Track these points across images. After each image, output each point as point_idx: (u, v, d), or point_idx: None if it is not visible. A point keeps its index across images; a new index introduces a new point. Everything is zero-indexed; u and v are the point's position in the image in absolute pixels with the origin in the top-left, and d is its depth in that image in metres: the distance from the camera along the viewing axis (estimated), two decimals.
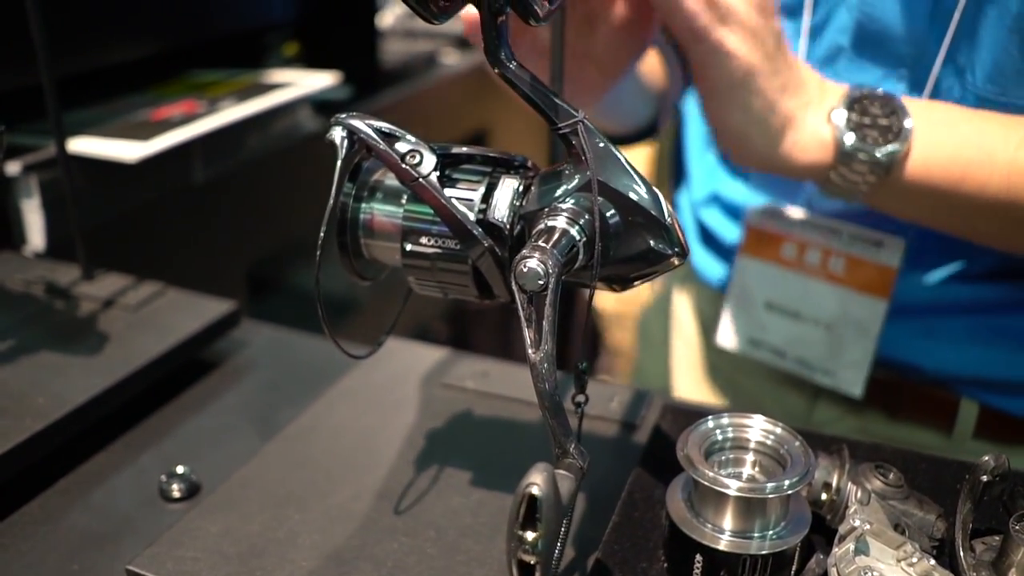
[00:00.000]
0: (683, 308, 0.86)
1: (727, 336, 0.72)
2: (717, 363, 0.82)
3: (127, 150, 0.78)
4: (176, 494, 0.51)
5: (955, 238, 0.62)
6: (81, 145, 0.79)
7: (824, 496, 0.43)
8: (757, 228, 0.69)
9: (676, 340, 0.87)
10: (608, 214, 0.40)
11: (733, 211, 0.74)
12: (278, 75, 1.05)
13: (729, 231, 0.75)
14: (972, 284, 0.64)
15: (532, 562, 0.32)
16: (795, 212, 0.67)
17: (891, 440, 0.69)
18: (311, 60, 1.18)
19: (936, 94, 0.59)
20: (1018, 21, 0.54)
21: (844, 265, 0.65)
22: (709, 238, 0.78)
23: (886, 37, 0.60)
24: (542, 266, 0.37)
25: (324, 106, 1.07)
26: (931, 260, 0.65)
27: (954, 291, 0.64)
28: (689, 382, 0.85)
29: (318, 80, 1.02)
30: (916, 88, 0.60)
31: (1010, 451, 0.66)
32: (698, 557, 0.40)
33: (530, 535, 0.32)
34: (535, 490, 0.31)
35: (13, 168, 0.76)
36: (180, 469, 0.52)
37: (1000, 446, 0.67)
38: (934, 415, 0.68)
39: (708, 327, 0.80)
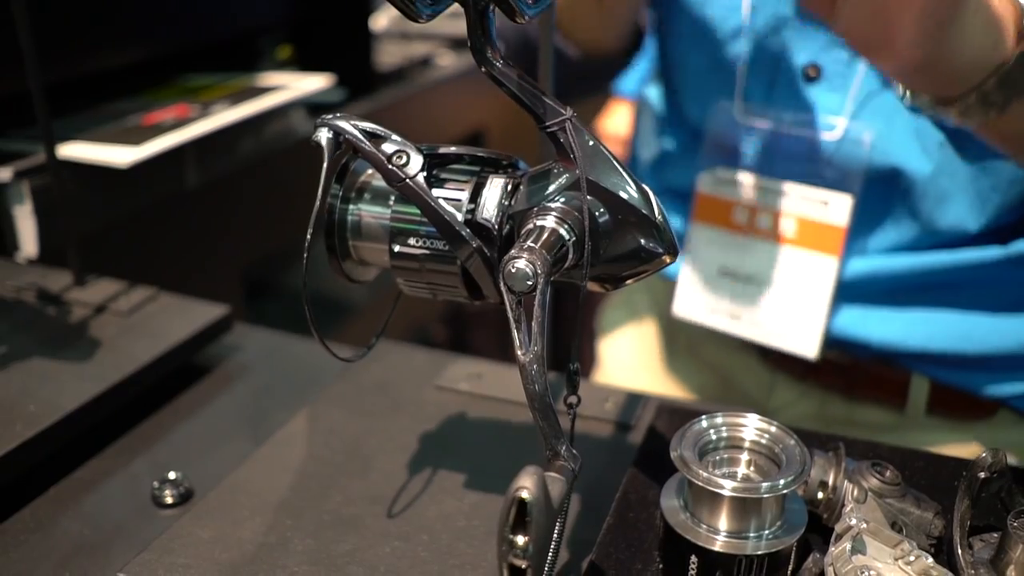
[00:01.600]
0: (641, 300, 0.86)
1: (683, 305, 0.72)
2: (673, 351, 0.82)
3: (119, 155, 0.78)
4: (169, 500, 0.50)
5: (900, 206, 0.63)
6: (73, 150, 0.79)
7: (820, 495, 0.43)
8: (707, 195, 0.69)
9: (634, 330, 0.87)
10: (598, 213, 0.39)
11: (683, 198, 0.74)
12: (271, 78, 1.04)
13: (680, 222, 0.75)
14: (915, 254, 0.65)
15: (523, 566, 0.32)
16: (744, 176, 0.68)
17: (848, 419, 0.71)
18: (304, 63, 1.18)
19: None
20: None
21: (795, 226, 0.66)
22: None
23: None
24: (530, 267, 0.36)
25: (318, 109, 1.06)
26: (875, 230, 0.65)
27: (898, 262, 0.65)
28: (648, 374, 0.85)
29: (311, 83, 1.02)
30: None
31: (963, 426, 0.68)
32: (693, 558, 0.40)
33: (520, 539, 0.32)
34: (524, 494, 0.31)
35: (4, 174, 0.75)
36: (172, 475, 0.52)
37: (953, 421, 0.68)
38: (887, 393, 0.69)
39: (665, 315, 0.80)
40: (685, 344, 0.80)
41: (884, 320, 0.66)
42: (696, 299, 0.71)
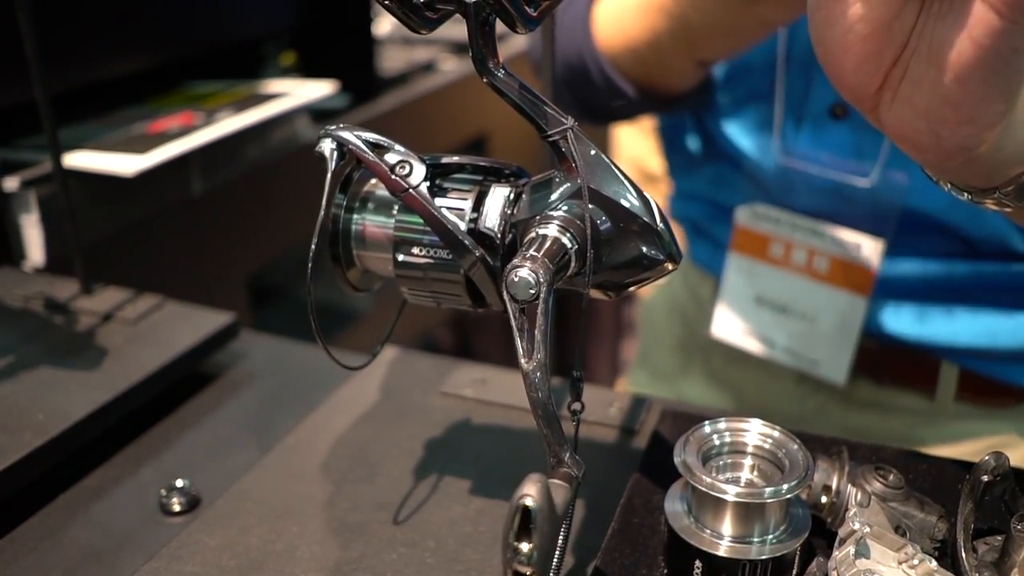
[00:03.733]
0: (681, 292, 0.87)
1: (721, 327, 0.76)
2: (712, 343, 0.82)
3: (124, 164, 0.79)
4: (176, 508, 0.51)
5: (932, 236, 0.64)
6: (79, 159, 0.79)
7: (824, 499, 0.43)
8: (745, 228, 0.72)
9: (676, 324, 0.88)
10: (600, 221, 0.40)
11: (716, 209, 0.76)
12: (275, 85, 1.05)
13: (718, 228, 0.76)
14: (947, 261, 0.66)
15: (528, 573, 0.32)
16: (780, 214, 0.70)
17: (877, 404, 0.72)
18: (308, 69, 1.18)
19: None
20: None
21: (827, 264, 0.69)
22: (697, 230, 0.80)
23: None
24: (533, 275, 0.37)
25: (322, 115, 1.07)
26: (910, 242, 0.66)
27: (929, 268, 0.67)
28: (684, 361, 0.86)
29: (315, 89, 1.02)
30: None
31: (992, 413, 0.69)
32: (697, 563, 0.40)
33: (525, 546, 0.32)
34: (528, 501, 0.31)
35: (11, 184, 0.76)
36: (180, 483, 0.52)
37: (982, 408, 0.70)
38: (916, 379, 0.71)
39: (706, 308, 0.81)
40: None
41: (914, 317, 0.68)
42: (733, 324, 0.75)
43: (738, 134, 0.72)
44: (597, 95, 0.72)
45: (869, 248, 0.66)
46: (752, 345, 0.74)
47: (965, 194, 0.44)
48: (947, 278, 0.66)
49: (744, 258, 0.72)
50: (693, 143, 0.78)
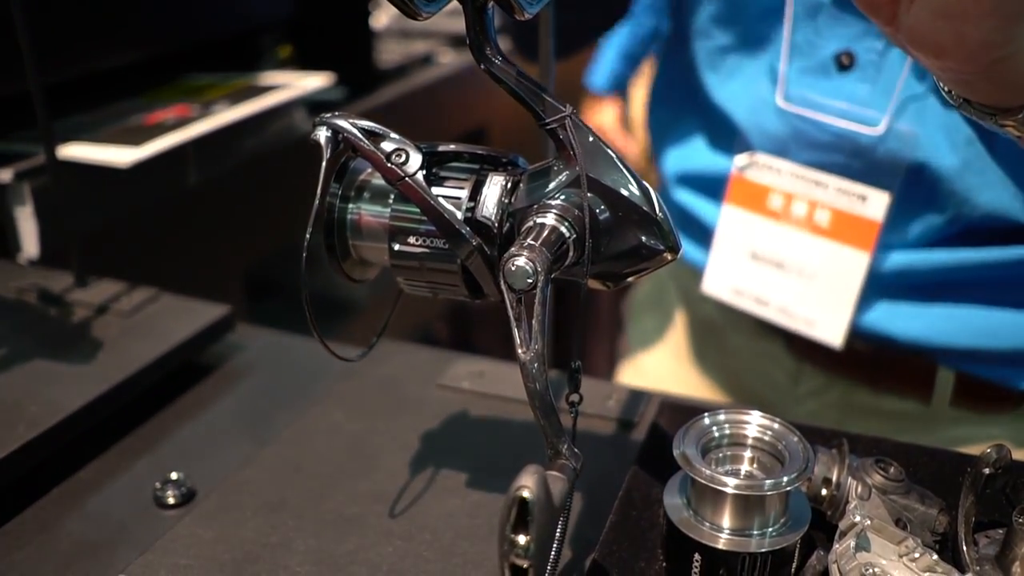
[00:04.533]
0: (670, 294, 0.86)
1: (712, 283, 0.72)
2: (702, 341, 0.82)
3: (120, 155, 0.78)
4: (171, 500, 0.50)
5: (927, 201, 0.62)
6: (74, 151, 0.79)
7: (824, 492, 0.43)
8: (743, 178, 0.69)
9: (663, 321, 0.87)
10: (598, 210, 0.39)
11: (709, 187, 0.73)
12: (272, 77, 1.04)
13: (705, 210, 0.74)
14: (941, 250, 0.64)
15: (524, 566, 0.32)
16: (782, 164, 0.67)
17: (873, 409, 0.71)
18: (305, 61, 1.18)
19: None
20: None
21: (829, 218, 0.66)
22: (686, 219, 0.78)
23: None
24: (530, 264, 0.36)
25: (318, 107, 1.06)
26: (903, 223, 0.65)
27: (924, 258, 0.65)
28: (674, 359, 0.85)
29: (312, 81, 1.02)
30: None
31: (989, 418, 0.68)
32: (697, 556, 0.40)
33: (522, 539, 0.31)
34: (525, 493, 0.31)
35: (5, 176, 0.75)
36: (175, 475, 0.51)
37: (978, 413, 0.68)
38: (913, 384, 0.69)
39: (694, 305, 0.80)
40: (712, 334, 0.80)
41: (910, 316, 0.66)
42: (725, 280, 0.71)
43: (737, 82, 0.70)
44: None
45: (875, 200, 0.63)
46: (745, 303, 0.71)
47: (992, 116, 0.43)
48: (944, 270, 0.65)
49: (740, 210, 0.69)
50: (686, 107, 0.76)
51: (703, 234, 0.74)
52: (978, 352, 0.66)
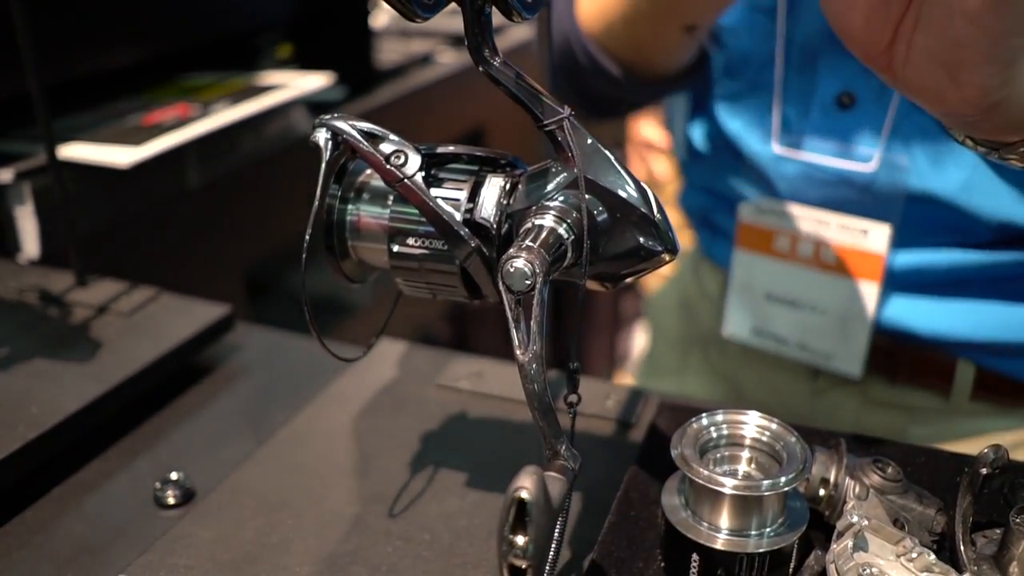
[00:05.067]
0: (690, 286, 0.87)
1: (732, 326, 0.74)
2: (720, 339, 0.82)
3: (120, 155, 0.78)
4: (171, 500, 0.51)
5: (938, 220, 0.63)
6: (74, 151, 0.79)
7: (822, 492, 0.43)
8: (749, 224, 0.71)
9: (684, 319, 0.88)
10: (597, 211, 0.39)
11: (726, 200, 0.75)
12: (271, 77, 1.04)
13: (725, 219, 0.75)
14: (958, 251, 0.65)
15: (523, 566, 0.32)
16: (783, 206, 0.69)
17: (892, 403, 0.71)
18: (304, 61, 1.18)
19: None
20: None
21: (835, 254, 0.67)
22: (705, 221, 0.79)
23: None
24: (529, 266, 0.36)
25: (318, 107, 1.06)
26: (919, 230, 0.65)
27: (944, 257, 0.65)
28: (695, 352, 0.85)
29: (312, 81, 1.02)
30: None
31: (1008, 411, 0.68)
32: (695, 556, 0.40)
33: (520, 539, 0.32)
34: (524, 494, 0.31)
35: (5, 176, 0.75)
36: (174, 475, 0.52)
37: (998, 407, 0.69)
38: (932, 378, 0.69)
39: (715, 302, 0.81)
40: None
41: (929, 310, 0.67)
42: (744, 322, 0.73)
43: (738, 126, 0.71)
44: (585, 78, 0.71)
45: (876, 233, 0.65)
46: (764, 343, 0.73)
47: (994, 150, 0.43)
48: (961, 269, 0.65)
49: (750, 254, 0.71)
50: (698, 135, 0.78)
51: (723, 235, 0.76)
52: (998, 346, 0.66)
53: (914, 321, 0.67)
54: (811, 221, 0.68)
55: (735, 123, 0.72)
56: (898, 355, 0.70)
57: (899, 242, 0.66)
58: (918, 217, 0.64)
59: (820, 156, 0.66)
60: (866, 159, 0.64)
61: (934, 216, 0.64)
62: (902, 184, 0.63)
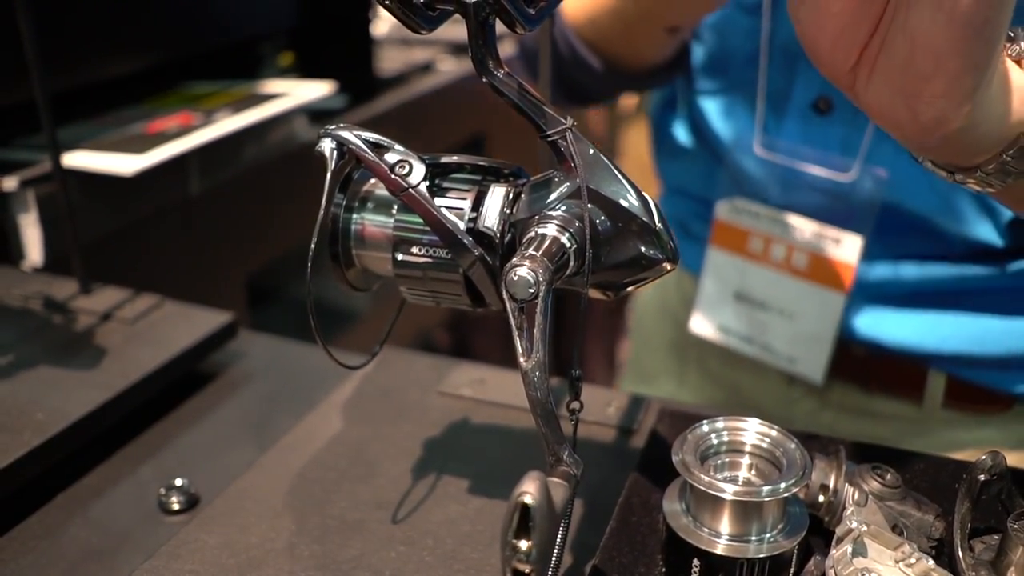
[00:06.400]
0: (672, 295, 0.87)
1: (699, 323, 0.75)
2: (700, 341, 0.83)
3: (123, 163, 0.79)
4: (175, 507, 0.51)
5: (911, 234, 0.64)
6: (77, 159, 0.80)
7: (821, 498, 0.43)
8: (725, 222, 0.71)
9: (667, 327, 0.88)
10: (599, 220, 0.40)
11: (702, 204, 0.75)
12: (273, 85, 1.05)
13: (703, 225, 0.75)
14: (928, 264, 0.66)
15: (527, 571, 0.32)
16: (759, 208, 0.69)
17: (866, 411, 0.72)
18: (306, 70, 1.18)
19: None
20: None
21: (806, 261, 0.68)
22: (682, 227, 0.80)
23: None
24: (532, 274, 0.37)
25: (320, 115, 1.07)
26: (891, 242, 0.66)
27: (914, 270, 0.66)
28: (675, 362, 0.86)
29: (313, 90, 1.02)
30: None
31: (979, 419, 0.69)
32: (696, 561, 0.40)
33: (524, 544, 0.32)
34: (527, 499, 0.31)
35: (10, 183, 0.76)
36: (179, 482, 0.52)
37: (970, 415, 0.69)
38: (904, 387, 0.70)
39: (689, 310, 0.81)
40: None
41: (898, 322, 0.67)
42: (712, 319, 0.74)
43: (720, 126, 0.71)
44: (565, 68, 0.72)
45: (848, 244, 0.65)
46: (730, 341, 0.73)
47: (952, 174, 0.44)
48: (931, 281, 0.66)
49: (723, 253, 0.72)
50: (681, 133, 0.78)
51: (700, 243, 0.76)
52: (967, 357, 0.66)
53: (883, 332, 0.67)
54: (786, 225, 0.68)
55: (716, 122, 0.72)
56: (870, 365, 0.70)
57: (871, 253, 0.66)
58: (891, 227, 0.65)
59: (801, 162, 0.66)
60: (845, 169, 0.65)
61: (907, 228, 0.64)
62: (879, 196, 0.64)
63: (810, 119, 0.66)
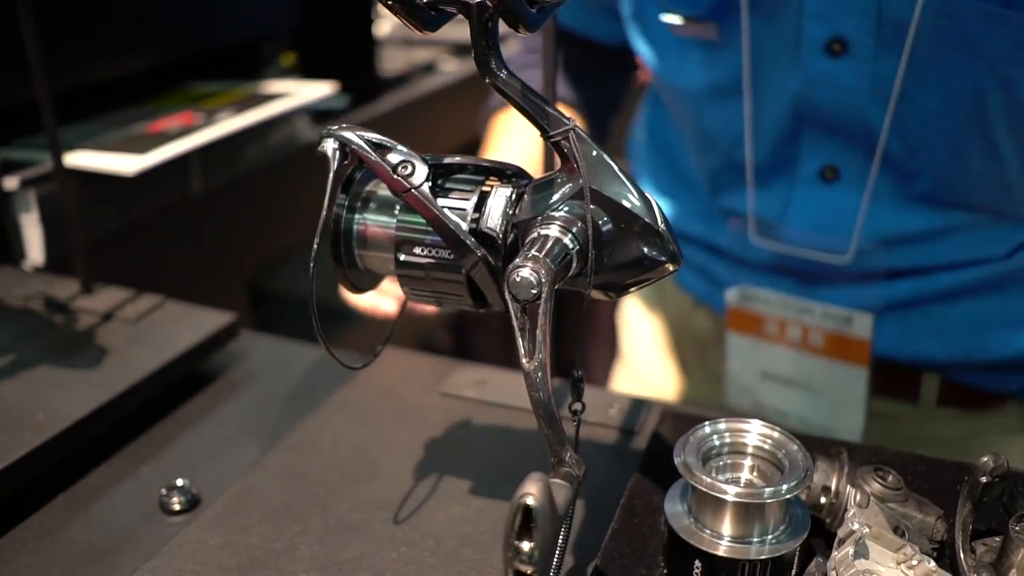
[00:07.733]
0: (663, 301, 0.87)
1: (734, 400, 0.76)
2: (694, 343, 0.83)
3: (125, 163, 0.79)
4: (176, 507, 0.51)
5: (901, 254, 0.65)
6: (79, 159, 0.80)
7: (823, 500, 0.43)
8: (738, 309, 0.72)
9: (655, 324, 0.88)
10: (601, 222, 0.40)
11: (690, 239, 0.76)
12: (275, 85, 1.05)
13: (688, 251, 0.76)
14: (923, 278, 0.66)
15: (529, 572, 0.32)
16: (769, 294, 0.70)
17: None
18: (308, 70, 1.18)
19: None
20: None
21: (822, 339, 0.69)
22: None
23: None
24: (535, 275, 0.37)
25: (322, 116, 1.07)
26: (880, 258, 0.67)
27: (905, 286, 0.67)
28: (667, 363, 0.86)
29: (315, 90, 1.02)
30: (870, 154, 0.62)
31: (974, 417, 0.70)
32: (697, 563, 0.40)
33: (526, 545, 0.32)
34: (530, 500, 0.31)
35: (11, 183, 0.76)
36: (180, 482, 0.52)
37: (964, 412, 0.71)
38: (899, 387, 0.71)
39: (685, 315, 0.82)
40: (703, 340, 0.82)
41: (891, 329, 0.68)
42: (744, 397, 0.75)
43: (715, 213, 0.72)
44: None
45: (859, 321, 0.66)
46: (766, 416, 0.73)
47: None
48: (922, 292, 0.67)
49: (743, 336, 0.73)
50: (676, 217, 0.78)
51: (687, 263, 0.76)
52: (960, 363, 0.68)
53: (876, 337, 0.68)
54: (796, 309, 0.69)
55: (711, 190, 0.72)
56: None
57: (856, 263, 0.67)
58: (882, 254, 0.66)
59: (797, 248, 0.67)
60: (841, 251, 0.65)
61: (896, 251, 0.65)
62: (879, 278, 0.65)
63: (817, 188, 0.66)
